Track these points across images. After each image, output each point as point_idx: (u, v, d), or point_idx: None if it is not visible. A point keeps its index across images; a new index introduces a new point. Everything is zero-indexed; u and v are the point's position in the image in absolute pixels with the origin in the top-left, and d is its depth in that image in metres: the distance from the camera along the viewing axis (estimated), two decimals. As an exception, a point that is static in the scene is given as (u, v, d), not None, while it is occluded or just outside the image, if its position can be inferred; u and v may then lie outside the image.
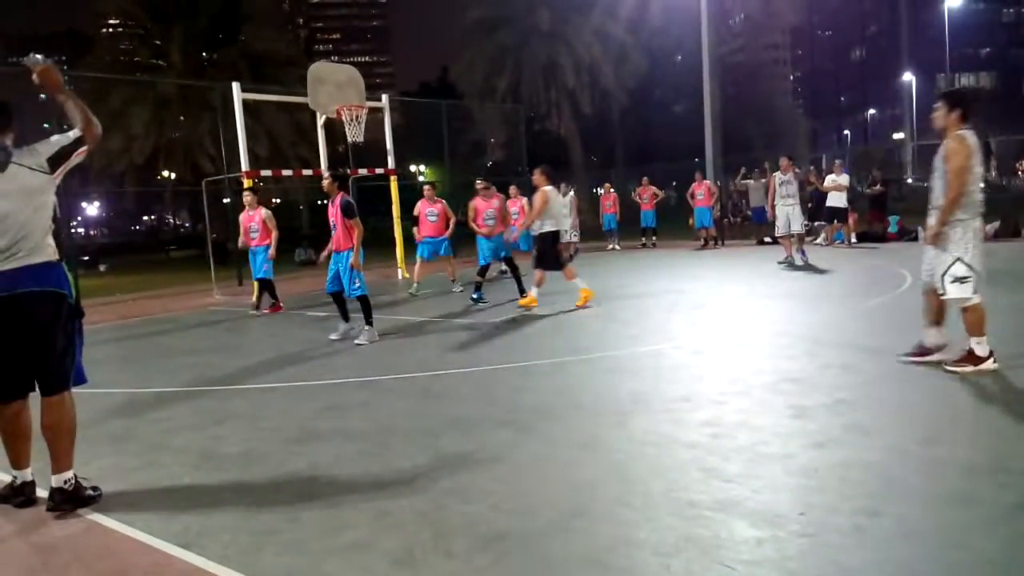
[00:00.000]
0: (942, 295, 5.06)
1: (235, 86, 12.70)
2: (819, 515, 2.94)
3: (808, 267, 11.83)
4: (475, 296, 10.04)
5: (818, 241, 16.19)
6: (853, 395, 4.61)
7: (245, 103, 12.83)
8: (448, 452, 4.03)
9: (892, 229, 16.00)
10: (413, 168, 38.75)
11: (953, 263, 4.95)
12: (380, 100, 14.99)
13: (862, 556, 2.60)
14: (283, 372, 6.54)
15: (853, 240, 15.68)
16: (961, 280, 4.94)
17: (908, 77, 54.45)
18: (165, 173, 28.32)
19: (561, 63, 31.18)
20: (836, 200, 15.38)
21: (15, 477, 3.64)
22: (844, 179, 15.43)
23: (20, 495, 3.60)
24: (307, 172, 15.81)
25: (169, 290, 14.47)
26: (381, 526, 3.10)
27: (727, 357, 5.98)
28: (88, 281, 15.21)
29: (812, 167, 22.75)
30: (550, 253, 9.06)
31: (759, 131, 38.62)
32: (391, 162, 14.91)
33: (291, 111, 24.07)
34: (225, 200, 19.49)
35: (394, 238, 15.18)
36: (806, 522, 2.88)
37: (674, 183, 28.13)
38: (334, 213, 7.69)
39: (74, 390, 3.65)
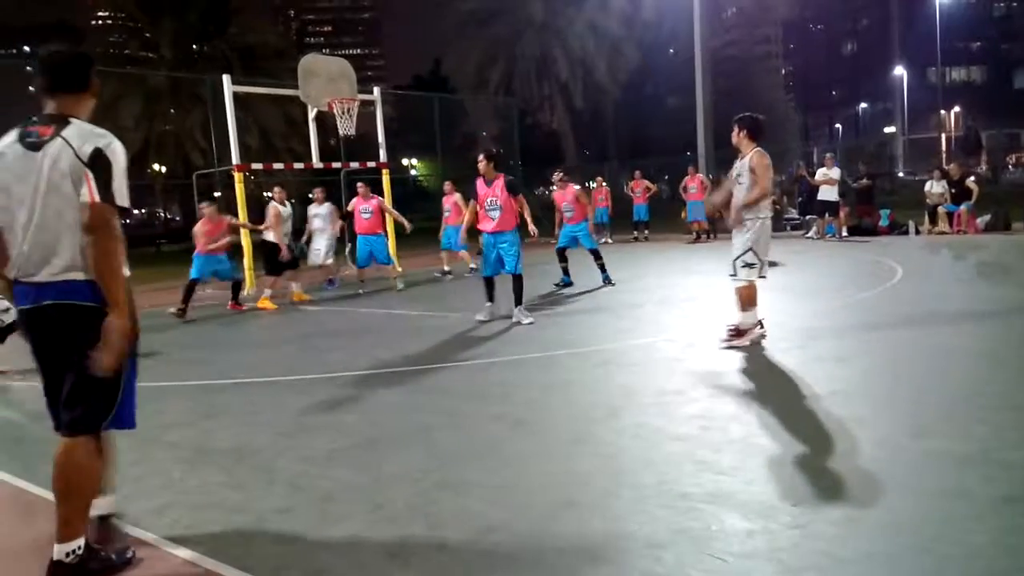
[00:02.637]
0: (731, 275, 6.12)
1: (225, 79, 12.62)
2: (810, 507, 2.95)
3: (792, 262, 11.86)
4: (564, 280, 10.62)
5: (809, 235, 16.24)
6: (845, 387, 4.62)
7: (236, 96, 12.76)
8: (440, 445, 4.03)
9: (883, 223, 16.06)
10: (405, 161, 38.65)
11: (744, 251, 6.00)
12: (372, 93, 14.92)
13: (853, 547, 2.61)
14: (275, 366, 6.52)
15: (844, 233, 15.73)
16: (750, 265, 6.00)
17: (899, 71, 54.59)
18: (156, 166, 28.18)
19: (554, 56, 31.13)
20: (827, 194, 15.41)
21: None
22: (835, 173, 15.46)
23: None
24: (298, 165, 15.73)
25: (160, 284, 14.36)
26: (374, 519, 3.10)
27: (718, 350, 5.99)
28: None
29: (803, 161, 22.80)
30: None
31: (751, 125, 38.62)
32: (383, 155, 14.86)
33: (282, 104, 23.93)
34: (216, 194, 19.40)
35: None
36: (797, 514, 2.89)
37: (666, 176, 28.16)
38: (492, 193, 7.65)
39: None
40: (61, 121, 2.65)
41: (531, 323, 7.60)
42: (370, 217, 11.29)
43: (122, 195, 2.65)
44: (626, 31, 31.96)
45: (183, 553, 2.91)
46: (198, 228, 10.03)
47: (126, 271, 2.69)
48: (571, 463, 3.63)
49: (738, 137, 6.14)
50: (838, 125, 72.47)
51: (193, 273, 9.90)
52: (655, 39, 36.88)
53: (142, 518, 3.25)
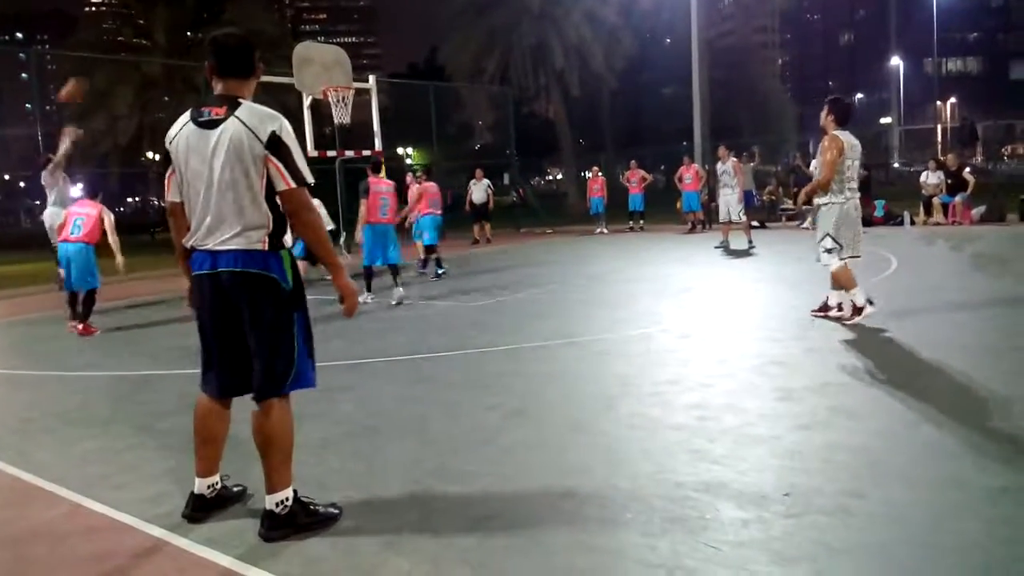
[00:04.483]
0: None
1: (220, 66, 12.51)
2: (805, 496, 2.95)
3: (787, 252, 11.87)
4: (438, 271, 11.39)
5: (805, 225, 16.23)
6: (839, 378, 4.64)
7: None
8: (436, 435, 4.03)
9: (878, 213, 16.07)
10: (400, 150, 38.50)
11: (823, 237, 6.18)
12: (367, 81, 14.84)
13: (847, 537, 2.62)
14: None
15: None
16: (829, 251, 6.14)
17: (896, 62, 54.50)
18: (149, 154, 28.00)
19: (550, 45, 30.96)
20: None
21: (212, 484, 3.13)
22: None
23: (189, 507, 3.10)
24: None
25: (155, 272, 14.33)
26: (369, 508, 3.10)
27: (714, 340, 6.00)
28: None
29: (799, 152, 22.77)
30: None
31: (747, 115, 38.55)
32: (378, 144, 14.78)
33: (277, 92, 23.77)
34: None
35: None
36: (791, 503, 2.90)
37: (662, 167, 28.12)
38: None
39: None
40: (232, 102, 2.84)
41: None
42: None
43: (306, 172, 2.86)
44: (623, 20, 31.80)
45: (177, 541, 2.90)
46: None
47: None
48: (567, 452, 3.63)
49: (825, 119, 6.18)
50: (834, 116, 72.35)
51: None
52: (652, 28, 36.72)
53: (136, 506, 3.24)
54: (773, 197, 19.20)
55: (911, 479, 3.08)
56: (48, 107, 30.21)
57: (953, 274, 9.22)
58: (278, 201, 2.84)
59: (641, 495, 3.07)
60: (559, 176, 47.15)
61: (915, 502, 2.88)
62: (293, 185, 2.80)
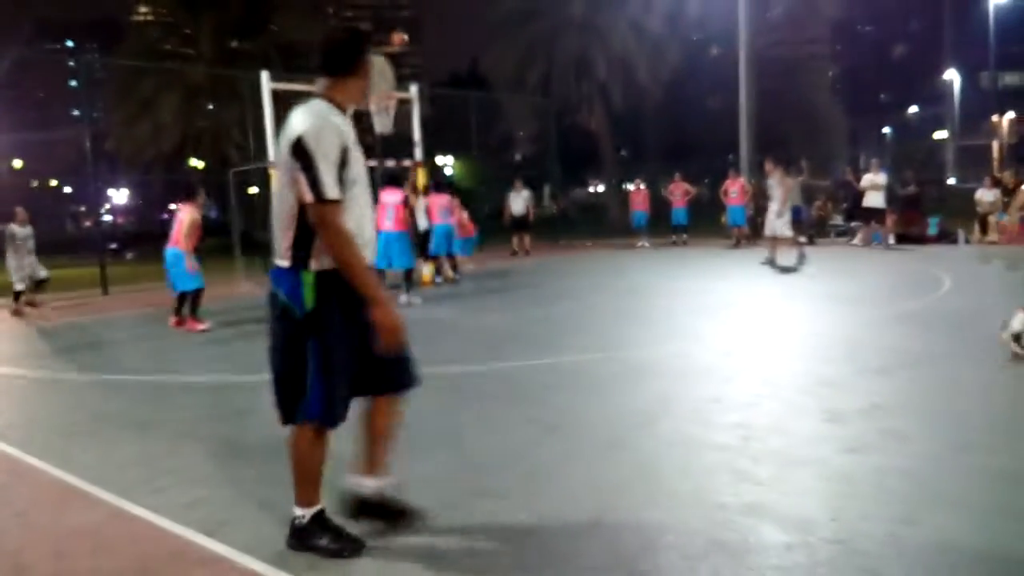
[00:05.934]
0: None
1: (264, 75, 12.73)
2: (851, 522, 2.85)
3: (836, 269, 11.61)
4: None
5: (855, 242, 15.88)
6: (889, 400, 4.49)
7: (274, 92, 12.85)
8: (472, 449, 3.99)
9: (932, 231, 15.63)
10: (440, 160, 38.72)
11: None
12: (409, 91, 14.95)
13: (897, 565, 2.52)
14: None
15: (891, 241, 15.33)
16: None
17: (951, 75, 53.18)
18: (193, 162, 28.58)
19: (593, 56, 30.89)
20: (873, 200, 15.02)
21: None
22: (881, 178, 15.08)
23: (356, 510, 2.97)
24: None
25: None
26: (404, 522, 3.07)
27: (758, 358, 5.87)
28: (115, 269, 15.47)
29: (850, 166, 22.31)
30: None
31: (796, 128, 37.90)
32: (419, 153, 14.88)
33: (322, 102, 24.16)
34: (253, 190, 19.57)
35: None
36: (837, 528, 2.80)
37: (706, 180, 27.77)
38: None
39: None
40: (307, 102, 2.68)
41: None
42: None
43: (329, 186, 2.55)
44: (669, 30, 31.58)
45: (215, 547, 2.92)
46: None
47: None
48: (606, 470, 3.57)
49: None
50: (887, 129, 70.91)
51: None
52: (698, 38, 36.35)
53: (175, 511, 3.27)
54: (823, 212, 18.81)
55: (963, 505, 2.96)
56: (95, 114, 31.04)
57: (1008, 295, 8.90)
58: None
59: (681, 515, 2.99)
60: (600, 188, 46.95)
61: (966, 529, 2.76)
62: (310, 199, 2.55)
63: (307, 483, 2.82)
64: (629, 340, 6.88)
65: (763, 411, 4.37)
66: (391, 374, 2.88)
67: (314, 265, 2.64)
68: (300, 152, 2.55)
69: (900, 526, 2.79)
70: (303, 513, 2.82)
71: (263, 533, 3.01)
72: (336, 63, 2.77)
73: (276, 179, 2.66)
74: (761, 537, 2.77)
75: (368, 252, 2.71)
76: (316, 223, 2.57)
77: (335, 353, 2.66)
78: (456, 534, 2.94)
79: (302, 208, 2.60)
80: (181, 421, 4.80)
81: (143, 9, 36.50)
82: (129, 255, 26.47)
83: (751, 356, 5.94)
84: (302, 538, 2.83)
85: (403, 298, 9.61)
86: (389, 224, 9.71)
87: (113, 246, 26.88)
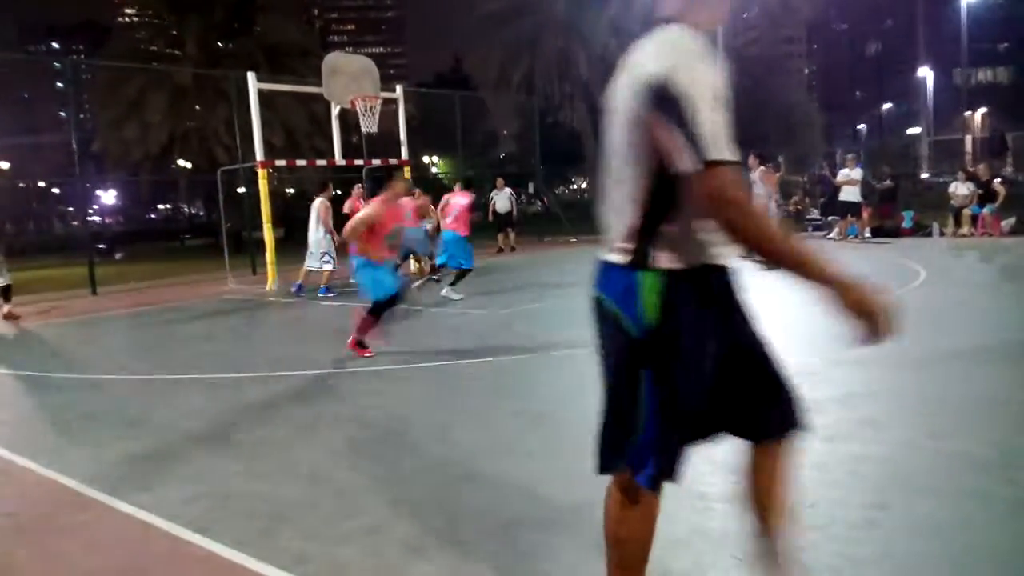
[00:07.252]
0: None
1: (250, 76, 12.72)
2: (828, 508, 2.95)
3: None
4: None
5: (831, 236, 16.11)
6: (864, 389, 4.60)
7: (260, 93, 12.84)
8: (460, 441, 4.06)
9: (906, 224, 15.89)
10: (426, 159, 38.71)
11: None
12: (394, 91, 14.98)
13: (871, 549, 2.61)
14: (298, 360, 6.58)
15: (867, 235, 15.58)
16: None
17: (924, 72, 53.84)
18: (180, 162, 28.41)
19: (575, 55, 31.01)
20: (849, 195, 15.27)
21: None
22: (857, 173, 15.31)
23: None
24: (321, 162, 15.84)
25: (184, 278, 14.55)
26: (393, 513, 3.14)
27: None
28: (104, 269, 15.37)
29: (826, 162, 22.58)
30: None
31: (774, 125, 38.26)
32: (404, 153, 14.91)
33: (306, 101, 24.07)
34: (240, 189, 19.53)
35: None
36: (814, 514, 2.89)
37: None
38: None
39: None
40: (652, 31, 1.86)
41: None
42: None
43: (718, 142, 1.68)
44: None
45: (208, 544, 2.95)
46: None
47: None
48: (590, 460, 3.63)
49: None
50: (862, 126, 71.66)
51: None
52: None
53: (166, 509, 3.31)
54: (799, 207, 19.06)
55: (936, 491, 3.06)
56: (81, 115, 30.83)
57: (982, 286, 9.09)
58: (665, 185, 1.79)
59: (663, 504, 3.07)
60: (584, 185, 47.11)
61: (940, 514, 2.86)
62: (691, 165, 1.68)
63: (624, 567, 2.05)
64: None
65: (743, 403, 4.46)
66: (766, 411, 2.13)
67: (662, 261, 1.84)
68: (665, 101, 1.71)
69: (876, 512, 2.89)
70: None
71: (255, 528, 3.06)
72: None
73: (613, 142, 1.92)
74: (741, 524, 2.86)
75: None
76: (705, 199, 1.69)
77: (683, 388, 1.90)
78: (445, 523, 3.00)
79: (658, 180, 1.80)
80: (171, 419, 4.82)
81: (129, 11, 36.20)
82: (118, 255, 26.30)
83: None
84: None
85: (445, 290, 9.88)
86: (452, 223, 10.06)
87: (101, 246, 26.70)
